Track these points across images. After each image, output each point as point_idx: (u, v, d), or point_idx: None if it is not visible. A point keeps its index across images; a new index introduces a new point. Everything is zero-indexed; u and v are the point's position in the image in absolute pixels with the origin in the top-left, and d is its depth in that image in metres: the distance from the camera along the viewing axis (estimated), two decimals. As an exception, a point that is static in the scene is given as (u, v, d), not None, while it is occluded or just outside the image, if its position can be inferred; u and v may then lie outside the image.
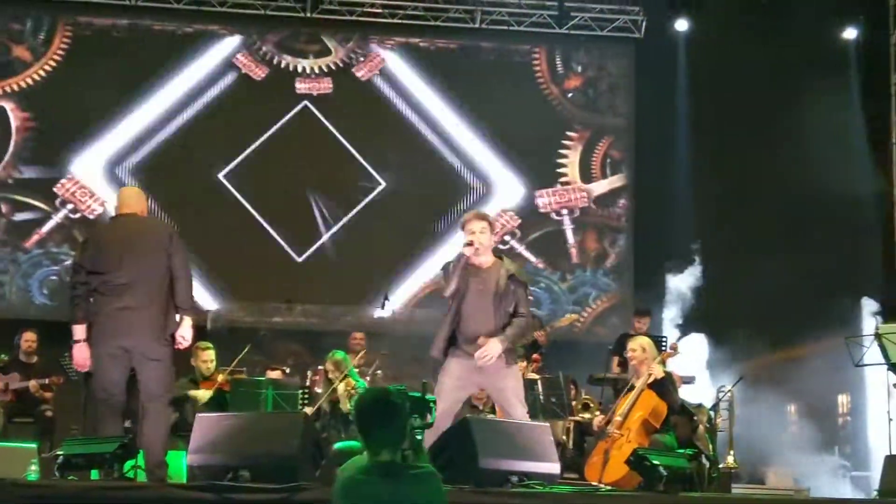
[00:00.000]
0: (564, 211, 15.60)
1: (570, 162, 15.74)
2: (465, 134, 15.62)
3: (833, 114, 14.55)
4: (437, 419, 6.63)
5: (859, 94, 15.42)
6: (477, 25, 15.69)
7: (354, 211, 15.34)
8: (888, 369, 9.63)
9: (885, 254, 14.88)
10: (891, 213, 15.02)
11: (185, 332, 7.54)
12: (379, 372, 11.63)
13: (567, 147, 15.77)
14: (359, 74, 15.68)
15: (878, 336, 9.10)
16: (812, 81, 14.55)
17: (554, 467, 7.11)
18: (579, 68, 16.03)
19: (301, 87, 15.55)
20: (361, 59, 15.71)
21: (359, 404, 4.62)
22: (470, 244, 7.54)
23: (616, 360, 11.93)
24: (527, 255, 15.42)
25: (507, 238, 15.36)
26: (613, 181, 15.76)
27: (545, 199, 15.63)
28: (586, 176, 15.73)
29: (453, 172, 15.59)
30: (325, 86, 15.58)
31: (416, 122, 15.59)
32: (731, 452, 10.83)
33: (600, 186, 15.75)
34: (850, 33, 15.53)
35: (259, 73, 15.55)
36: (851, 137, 14.93)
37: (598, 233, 15.70)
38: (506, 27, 15.80)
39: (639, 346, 9.55)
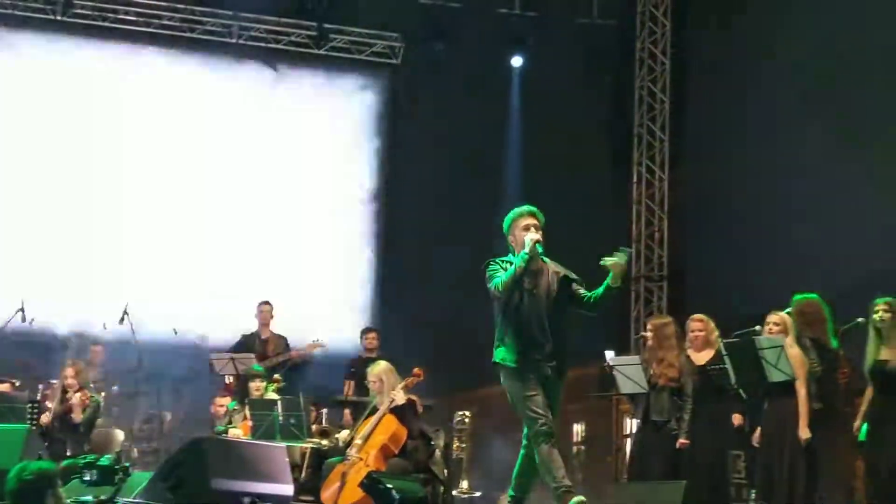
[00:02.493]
0: None
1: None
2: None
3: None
4: None
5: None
6: (234, 40, 15.49)
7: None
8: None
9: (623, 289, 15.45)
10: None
11: None
12: (115, 388, 11.32)
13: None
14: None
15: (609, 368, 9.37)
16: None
17: (287, 489, 7.05)
18: (336, 90, 16.00)
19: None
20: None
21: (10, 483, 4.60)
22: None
23: (350, 383, 11.97)
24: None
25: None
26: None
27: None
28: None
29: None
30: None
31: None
32: (466, 478, 10.96)
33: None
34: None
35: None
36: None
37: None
38: (264, 44, 15.66)
39: (378, 373, 9.57)
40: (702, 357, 9.33)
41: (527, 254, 7.17)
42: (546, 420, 7.14)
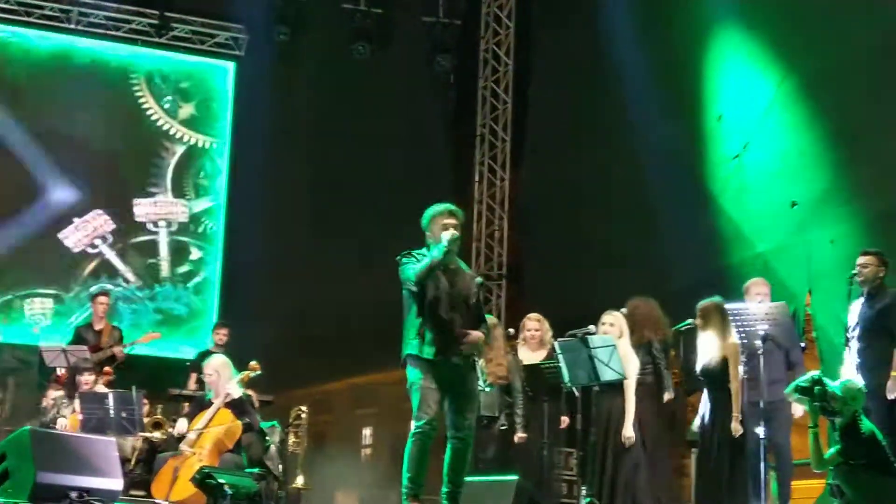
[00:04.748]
0: (162, 223, 15.24)
1: (165, 175, 15.44)
2: (59, 136, 14.99)
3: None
4: None
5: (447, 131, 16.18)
6: (73, 26, 15.12)
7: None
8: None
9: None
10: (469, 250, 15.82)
11: None
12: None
13: (162, 159, 15.47)
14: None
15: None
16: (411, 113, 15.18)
17: (116, 483, 6.92)
18: (178, 81, 15.75)
19: None
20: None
21: None
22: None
23: (195, 376, 11.83)
24: (116, 263, 14.97)
25: (97, 242, 14.83)
26: (205, 201, 15.61)
27: (144, 209, 15.21)
28: (178, 190, 15.48)
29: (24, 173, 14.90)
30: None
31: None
32: (301, 473, 10.92)
33: (198, 204, 15.56)
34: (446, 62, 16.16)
35: None
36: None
37: (188, 250, 15.46)
38: (103, 31, 15.31)
39: (214, 367, 9.48)
40: (536, 356, 9.48)
41: (444, 246, 7.20)
42: (432, 422, 7.22)
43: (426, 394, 7.24)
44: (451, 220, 7.42)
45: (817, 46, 10.76)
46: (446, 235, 7.24)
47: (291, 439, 10.81)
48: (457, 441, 7.35)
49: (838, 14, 10.44)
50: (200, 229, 15.55)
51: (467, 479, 7.83)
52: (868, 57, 9.99)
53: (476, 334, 7.26)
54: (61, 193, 14.89)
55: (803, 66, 10.95)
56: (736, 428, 8.28)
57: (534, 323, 9.66)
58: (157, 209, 15.31)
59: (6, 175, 14.76)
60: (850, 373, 7.93)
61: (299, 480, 10.80)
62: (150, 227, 15.28)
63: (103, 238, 15.01)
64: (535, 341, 9.57)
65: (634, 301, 9.17)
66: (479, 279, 7.53)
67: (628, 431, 8.66)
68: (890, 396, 7.84)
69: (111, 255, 15.00)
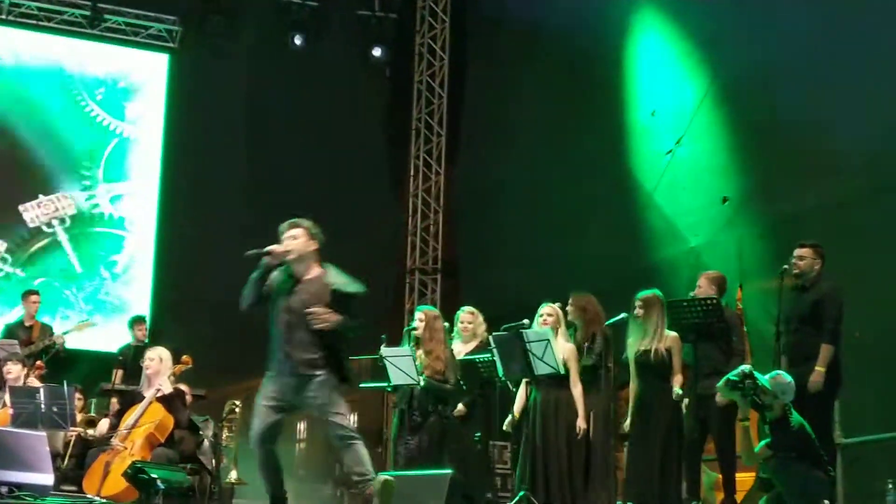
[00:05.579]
0: (55, 222, 15.04)
1: (97, 167, 15.32)
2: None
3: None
4: None
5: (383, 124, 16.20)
6: (3, 16, 14.91)
7: None
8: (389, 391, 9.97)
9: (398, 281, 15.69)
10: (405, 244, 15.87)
11: None
12: None
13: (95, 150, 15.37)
14: None
15: (381, 358, 9.39)
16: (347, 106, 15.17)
17: (47, 478, 6.87)
18: (110, 73, 15.59)
19: None
20: None
21: None
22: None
23: (119, 372, 11.78)
24: (66, 247, 14.82)
25: (54, 223, 14.69)
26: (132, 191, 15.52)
27: (31, 213, 14.92)
28: (109, 182, 15.34)
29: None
30: None
31: None
32: (234, 468, 10.86)
33: (125, 194, 15.44)
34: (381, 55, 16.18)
35: None
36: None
37: (120, 244, 15.34)
38: (35, 21, 15.11)
39: (155, 356, 9.41)
40: (466, 348, 9.51)
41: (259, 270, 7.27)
42: (257, 438, 7.15)
43: (256, 410, 7.24)
44: (283, 235, 7.44)
45: (747, 43, 10.89)
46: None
47: (225, 434, 10.74)
48: (335, 441, 7.27)
49: (770, 9, 10.59)
50: (132, 223, 15.41)
51: (399, 473, 7.86)
52: (799, 53, 10.12)
53: (320, 310, 7.12)
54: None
55: (735, 62, 11.09)
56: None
57: (468, 315, 9.68)
58: (43, 210, 15.05)
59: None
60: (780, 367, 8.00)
61: (233, 475, 10.74)
62: (45, 228, 15.00)
63: (62, 220, 14.84)
64: (467, 333, 9.60)
65: (583, 296, 9.15)
66: (335, 286, 7.31)
67: (582, 423, 8.69)
68: (811, 390, 7.90)
69: (64, 239, 14.83)
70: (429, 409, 9.16)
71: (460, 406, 9.38)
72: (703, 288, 8.87)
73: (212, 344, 13.15)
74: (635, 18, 12.75)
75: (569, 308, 9.05)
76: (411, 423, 9.18)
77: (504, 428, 9.06)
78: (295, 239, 7.37)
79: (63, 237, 14.94)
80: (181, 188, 15.32)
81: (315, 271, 7.37)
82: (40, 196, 14.87)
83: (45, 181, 15.04)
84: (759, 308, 9.92)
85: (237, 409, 10.94)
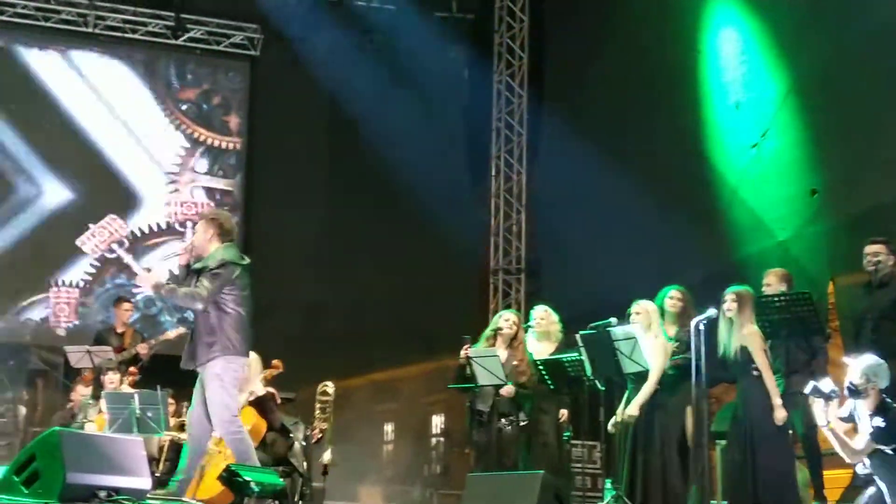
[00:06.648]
0: (115, 245, 15.13)
1: (181, 176, 15.52)
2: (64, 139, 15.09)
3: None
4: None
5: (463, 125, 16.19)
6: (90, 30, 15.19)
7: None
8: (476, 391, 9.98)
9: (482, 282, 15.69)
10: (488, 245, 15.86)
11: None
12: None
13: (179, 159, 15.54)
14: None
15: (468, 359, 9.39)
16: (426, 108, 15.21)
17: (144, 482, 6.96)
18: (194, 82, 15.81)
19: None
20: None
21: None
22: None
23: None
24: (133, 266, 14.94)
25: (114, 247, 14.86)
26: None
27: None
28: (196, 191, 15.54)
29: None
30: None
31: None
32: (329, 447, 10.82)
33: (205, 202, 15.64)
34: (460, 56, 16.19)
35: None
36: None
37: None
38: (120, 34, 15.37)
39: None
40: (541, 347, 9.48)
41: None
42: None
43: None
44: None
45: (833, 34, 10.75)
46: None
47: (317, 413, 10.63)
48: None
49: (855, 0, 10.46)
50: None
51: (492, 473, 7.86)
52: (885, 45, 9.97)
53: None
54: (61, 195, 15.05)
55: (820, 54, 10.94)
56: (780, 416, 8.13)
57: (541, 312, 9.68)
58: (180, 208, 15.30)
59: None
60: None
61: (327, 456, 10.64)
62: (177, 227, 15.37)
63: (119, 242, 15.04)
64: (540, 330, 9.58)
65: (680, 290, 8.99)
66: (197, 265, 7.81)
67: (634, 411, 8.57)
68: None
69: (129, 259, 15.00)
70: (514, 410, 9.15)
71: (563, 411, 9.35)
72: (774, 285, 8.74)
73: (300, 347, 13.27)
74: (710, 10, 12.65)
75: (666, 303, 8.92)
76: (496, 423, 9.18)
77: (608, 429, 8.93)
78: (196, 235, 8.05)
79: (128, 258, 15.10)
80: (265, 192, 15.48)
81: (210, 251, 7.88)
82: (90, 225, 14.95)
83: (130, 193, 15.27)
84: (850, 303, 9.75)
85: (329, 390, 10.86)
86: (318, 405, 10.71)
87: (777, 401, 8.10)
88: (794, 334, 8.43)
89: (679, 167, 12.68)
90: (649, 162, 13.12)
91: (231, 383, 7.75)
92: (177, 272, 8.10)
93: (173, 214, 15.43)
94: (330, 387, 10.89)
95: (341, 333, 14.17)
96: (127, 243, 15.11)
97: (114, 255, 14.87)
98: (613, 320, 8.78)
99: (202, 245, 7.87)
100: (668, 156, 12.84)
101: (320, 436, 10.20)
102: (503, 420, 9.22)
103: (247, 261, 7.92)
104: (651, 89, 13.23)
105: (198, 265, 7.78)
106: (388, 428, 14.64)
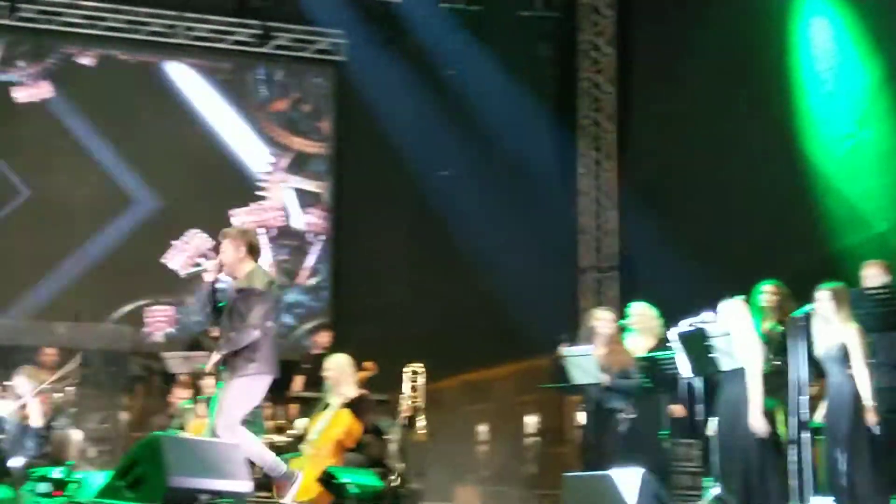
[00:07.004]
0: (262, 230, 15.39)
1: (272, 182, 15.66)
2: (155, 148, 15.26)
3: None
4: None
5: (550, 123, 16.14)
6: (179, 41, 15.40)
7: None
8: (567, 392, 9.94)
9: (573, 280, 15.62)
10: (575, 241, 15.79)
11: None
12: (70, 389, 11.23)
13: (268, 165, 15.69)
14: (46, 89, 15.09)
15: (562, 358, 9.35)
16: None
17: (245, 485, 7.02)
18: (282, 89, 15.95)
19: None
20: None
21: None
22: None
23: (300, 378, 11.98)
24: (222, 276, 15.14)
25: (200, 261, 15.00)
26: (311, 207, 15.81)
27: (240, 219, 15.30)
28: (287, 195, 15.68)
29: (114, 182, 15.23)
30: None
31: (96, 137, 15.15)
32: (423, 418, 10.81)
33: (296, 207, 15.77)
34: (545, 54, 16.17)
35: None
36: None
37: (296, 252, 15.65)
38: (208, 44, 15.56)
39: (335, 365, 9.58)
40: (646, 345, 9.39)
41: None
42: None
43: None
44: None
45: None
46: None
47: (409, 393, 10.58)
48: None
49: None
50: (309, 235, 15.73)
51: (589, 473, 7.79)
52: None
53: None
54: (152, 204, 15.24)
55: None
56: (872, 420, 7.97)
57: (638, 309, 9.59)
58: (254, 217, 15.41)
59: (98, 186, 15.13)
60: None
61: (420, 423, 10.57)
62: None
63: (205, 256, 15.19)
64: (638, 327, 9.50)
65: (776, 285, 8.82)
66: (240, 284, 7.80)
67: (755, 421, 8.37)
68: None
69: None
70: (615, 408, 9.09)
71: (675, 406, 9.26)
72: (874, 277, 8.56)
73: (391, 348, 13.29)
74: (801, 1, 12.49)
75: (760, 298, 8.74)
76: (599, 420, 9.13)
77: (706, 430, 8.82)
78: (223, 253, 7.85)
79: (266, 246, 15.18)
80: (356, 197, 15.57)
81: (243, 272, 7.81)
82: (173, 243, 15.19)
83: (222, 198, 15.47)
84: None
85: (419, 372, 10.81)
86: (409, 385, 10.65)
87: (870, 403, 7.93)
88: (889, 328, 8.25)
89: (769, 158, 12.52)
90: (738, 153, 12.98)
91: (255, 400, 7.84)
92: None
93: (263, 222, 15.50)
94: (419, 367, 10.84)
95: (432, 334, 14.17)
96: (212, 256, 15.20)
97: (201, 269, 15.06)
98: (708, 316, 8.66)
99: (233, 263, 7.79)
100: (760, 148, 12.68)
101: (410, 414, 10.18)
102: (615, 416, 9.13)
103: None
104: (743, 81, 13.08)
105: (241, 284, 7.69)
106: (482, 428, 14.59)
